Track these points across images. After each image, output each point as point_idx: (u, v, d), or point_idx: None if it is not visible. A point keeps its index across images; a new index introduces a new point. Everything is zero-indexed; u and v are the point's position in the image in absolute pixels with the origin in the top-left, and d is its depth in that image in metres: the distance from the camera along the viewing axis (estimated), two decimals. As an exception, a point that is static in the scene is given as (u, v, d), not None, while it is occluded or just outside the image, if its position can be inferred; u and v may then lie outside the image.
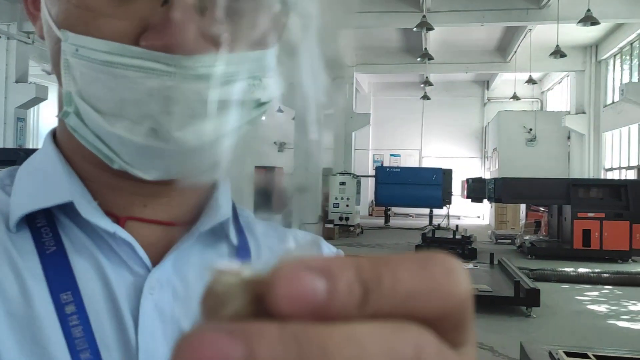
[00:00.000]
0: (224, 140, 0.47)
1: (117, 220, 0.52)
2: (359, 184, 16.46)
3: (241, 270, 0.19)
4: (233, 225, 0.57)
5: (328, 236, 13.91)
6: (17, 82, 11.90)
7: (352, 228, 15.31)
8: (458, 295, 0.18)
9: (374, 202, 20.65)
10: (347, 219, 15.20)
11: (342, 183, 15.49)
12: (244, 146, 0.49)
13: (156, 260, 0.52)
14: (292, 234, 0.65)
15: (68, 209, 0.50)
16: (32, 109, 13.21)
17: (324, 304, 0.17)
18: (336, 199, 15.32)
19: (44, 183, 0.52)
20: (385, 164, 23.38)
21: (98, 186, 0.52)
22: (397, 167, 19.30)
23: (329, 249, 0.66)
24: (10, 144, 11.56)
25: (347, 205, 15.31)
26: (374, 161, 25.37)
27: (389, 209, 19.85)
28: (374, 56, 19.67)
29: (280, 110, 21.90)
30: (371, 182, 21.53)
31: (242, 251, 0.58)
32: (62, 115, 0.48)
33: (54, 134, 0.57)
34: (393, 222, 19.91)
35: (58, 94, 0.51)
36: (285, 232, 0.65)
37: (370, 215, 23.91)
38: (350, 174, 16.15)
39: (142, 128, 0.45)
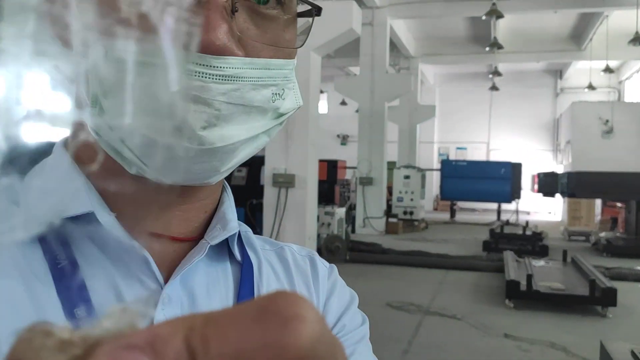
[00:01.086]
0: (244, 145, 0.49)
1: (131, 233, 0.50)
2: (423, 177, 16.22)
3: (55, 329, 0.17)
4: (236, 241, 0.58)
5: (392, 230, 13.78)
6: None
7: (416, 222, 15.12)
8: (294, 347, 0.16)
9: (439, 197, 20.31)
10: (411, 213, 15.02)
11: (407, 177, 15.30)
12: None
13: (165, 274, 0.52)
14: (288, 248, 0.66)
15: (80, 221, 0.49)
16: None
17: None
18: (400, 192, 15.17)
19: (61, 194, 0.50)
20: (451, 157, 22.95)
21: (112, 199, 0.51)
22: (464, 161, 18.89)
23: (322, 264, 0.67)
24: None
25: (412, 199, 15.13)
26: (439, 154, 24.95)
27: (455, 204, 19.48)
28: (440, 46, 19.29)
29: (343, 103, 21.87)
30: (436, 175, 21.20)
31: (245, 266, 0.58)
32: (86, 118, 0.46)
33: (64, 143, 0.55)
34: (459, 216, 19.52)
35: (76, 98, 0.49)
36: (281, 247, 0.66)
37: (435, 209, 23.56)
38: (414, 167, 15.93)
39: (167, 127, 0.44)
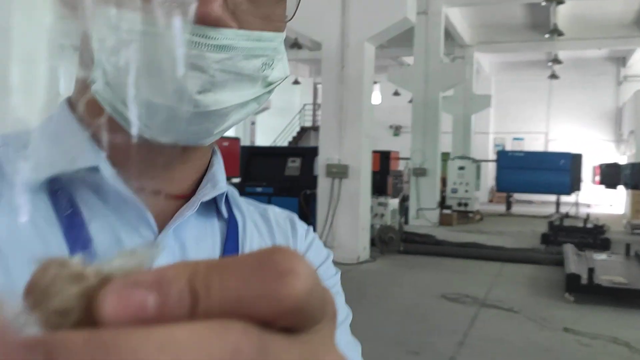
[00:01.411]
0: (235, 111, 0.53)
1: (129, 189, 0.55)
2: (478, 168, 15.92)
3: (70, 262, 0.18)
4: (224, 201, 0.64)
5: (446, 222, 13.61)
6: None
7: (471, 214, 14.87)
8: (289, 298, 0.18)
9: (495, 188, 19.89)
10: (465, 204, 14.78)
11: (461, 168, 15.06)
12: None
13: (159, 226, 0.56)
14: (270, 209, 0.72)
15: (84, 174, 0.53)
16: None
17: (152, 314, 0.17)
18: (454, 184, 14.95)
19: (66, 148, 0.54)
20: (507, 148, 22.42)
21: (111, 156, 0.54)
22: (521, 151, 18.41)
23: (301, 225, 0.72)
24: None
25: (466, 191, 14.89)
26: (495, 145, 24.41)
27: (511, 196, 19.04)
28: (496, 34, 18.81)
29: (396, 94, 21.68)
30: (491, 167, 20.76)
31: (231, 223, 0.64)
32: (91, 81, 0.50)
33: (68, 102, 0.59)
34: (515, 209, 19.07)
35: (79, 61, 0.54)
36: (265, 208, 0.71)
37: (491, 201, 23.11)
38: (469, 158, 15.64)
39: (166, 90, 0.48)
